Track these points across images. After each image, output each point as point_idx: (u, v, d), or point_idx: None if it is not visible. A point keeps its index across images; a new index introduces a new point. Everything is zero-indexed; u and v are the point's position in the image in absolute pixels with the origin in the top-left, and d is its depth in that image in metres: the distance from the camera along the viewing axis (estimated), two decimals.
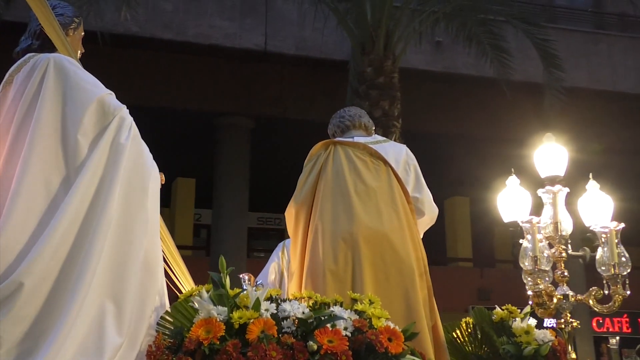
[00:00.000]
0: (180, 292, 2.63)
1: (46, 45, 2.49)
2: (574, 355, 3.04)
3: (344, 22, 8.48)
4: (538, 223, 3.34)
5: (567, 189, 3.41)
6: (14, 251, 2.04)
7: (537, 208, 6.30)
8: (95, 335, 2.05)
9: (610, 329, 14.36)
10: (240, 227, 10.76)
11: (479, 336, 3.04)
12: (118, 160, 2.25)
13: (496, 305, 3.06)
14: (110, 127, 2.28)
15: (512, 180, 5.85)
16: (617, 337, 7.67)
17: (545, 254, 3.27)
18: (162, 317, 2.24)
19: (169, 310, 2.28)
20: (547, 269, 3.29)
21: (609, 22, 12.31)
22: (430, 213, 3.49)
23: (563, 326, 3.21)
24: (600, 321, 14.41)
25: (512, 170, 5.92)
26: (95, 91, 2.34)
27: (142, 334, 2.19)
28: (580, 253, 5.99)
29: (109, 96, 2.36)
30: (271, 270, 4.16)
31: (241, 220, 10.81)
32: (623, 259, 3.11)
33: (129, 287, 2.16)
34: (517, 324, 2.94)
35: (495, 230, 15.05)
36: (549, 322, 7.24)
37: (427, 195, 3.46)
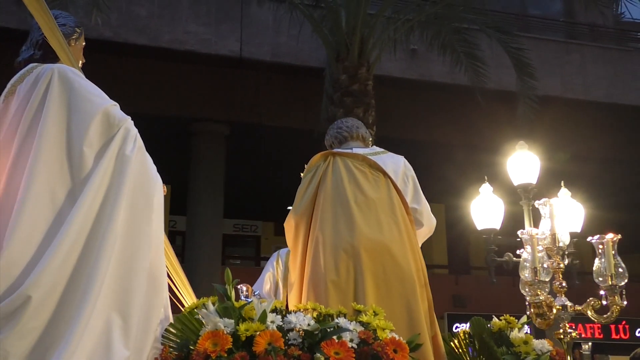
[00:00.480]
0: (182, 304, 2.61)
1: (48, 56, 2.47)
2: None
3: (319, 29, 8.49)
4: (537, 235, 3.38)
5: (565, 200, 3.45)
6: (21, 264, 2.03)
7: (511, 216, 6.35)
8: (103, 348, 2.04)
9: (583, 335, 14.52)
10: (216, 234, 10.68)
11: (477, 346, 3.04)
12: (124, 172, 2.23)
13: (475, 313, 3.07)
14: (115, 138, 2.27)
15: (486, 188, 5.90)
16: (590, 343, 7.76)
17: (545, 265, 3.30)
18: (167, 330, 2.24)
19: (174, 322, 2.29)
20: (546, 280, 3.32)
21: (580, 32, 12.51)
22: (429, 224, 3.51)
23: (562, 336, 3.25)
24: (573, 327, 14.55)
25: (486, 178, 5.97)
26: (101, 102, 2.32)
27: (148, 347, 2.19)
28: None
29: (114, 107, 2.35)
30: (266, 279, 4.15)
31: (216, 227, 10.73)
32: (620, 269, 3.16)
33: (135, 300, 2.15)
34: (515, 334, 2.96)
35: (470, 237, 15.14)
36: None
37: (425, 206, 3.48)
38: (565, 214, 5.99)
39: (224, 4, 10.14)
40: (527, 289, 3.39)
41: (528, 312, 3.34)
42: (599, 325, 14.90)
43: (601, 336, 15.02)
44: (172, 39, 9.64)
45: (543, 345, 2.94)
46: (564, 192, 6.07)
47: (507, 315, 3.10)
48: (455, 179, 10.97)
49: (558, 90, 11.15)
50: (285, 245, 3.62)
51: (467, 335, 3.08)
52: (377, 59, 8.52)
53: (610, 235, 3.24)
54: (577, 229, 5.95)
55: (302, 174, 3.50)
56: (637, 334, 15.18)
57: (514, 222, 6.25)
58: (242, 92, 10.61)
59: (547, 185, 6.34)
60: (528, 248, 3.42)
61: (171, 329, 2.26)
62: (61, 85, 2.30)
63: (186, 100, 10.40)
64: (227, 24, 10.03)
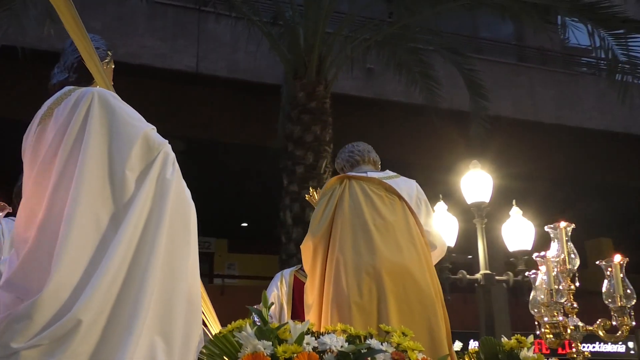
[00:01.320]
0: (206, 326, 2.66)
1: (83, 79, 2.49)
2: None
3: (277, 46, 8.51)
4: (552, 257, 3.49)
5: (572, 225, 3.66)
6: (69, 288, 2.03)
7: (464, 233, 6.44)
8: None
9: None
10: None
11: None
12: (164, 195, 2.24)
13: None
14: (155, 162, 2.28)
15: (440, 206, 6.00)
16: None
17: (561, 287, 3.41)
18: (202, 352, 2.25)
19: (208, 344, 2.31)
20: (562, 301, 3.43)
21: (530, 55, 12.90)
22: (441, 246, 3.59)
23: (575, 355, 3.34)
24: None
25: (440, 196, 6.06)
26: (141, 126, 2.33)
27: None
28: (504, 277, 6.17)
29: (153, 131, 2.36)
30: (271, 300, 4.12)
31: None
32: (628, 291, 3.26)
33: (177, 323, 2.17)
34: (525, 353, 2.99)
35: None
36: None
37: (437, 229, 3.58)
38: (516, 231, 6.13)
39: (180, 19, 10.07)
40: (542, 310, 3.50)
41: (538, 332, 3.46)
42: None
43: (547, 352, 15.29)
44: (127, 52, 9.51)
45: None
46: (515, 211, 6.23)
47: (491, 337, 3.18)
48: None
49: (509, 111, 11.45)
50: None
51: (476, 355, 3.12)
52: (334, 77, 8.59)
53: (618, 258, 3.33)
54: (528, 246, 6.10)
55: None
56: None
57: (466, 239, 6.36)
58: (198, 107, 10.52)
59: (498, 204, 6.49)
60: (543, 269, 3.52)
61: (206, 351, 2.28)
62: (101, 109, 2.30)
63: (141, 115, 10.23)
64: (183, 39, 9.97)
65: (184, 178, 2.42)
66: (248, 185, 11.74)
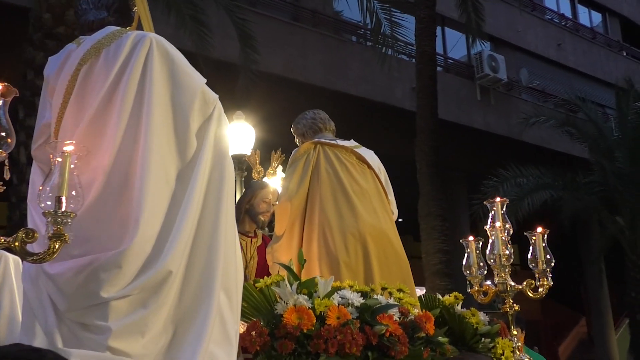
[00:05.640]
0: None
1: (125, 21, 2.43)
2: (515, 332, 3.47)
3: None
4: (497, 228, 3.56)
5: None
6: (151, 240, 2.03)
7: None
8: (220, 326, 2.11)
9: None
10: None
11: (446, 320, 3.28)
12: (224, 155, 2.26)
13: None
14: (212, 118, 2.24)
15: None
16: None
17: (507, 252, 3.57)
18: (243, 305, 2.37)
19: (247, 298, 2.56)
20: (507, 264, 3.58)
21: (304, 16, 13.00)
22: (396, 214, 3.76)
23: (508, 309, 3.53)
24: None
25: None
26: (199, 78, 2.28)
27: (239, 320, 2.27)
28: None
29: (205, 85, 2.30)
30: None
31: None
32: (548, 256, 3.53)
33: (231, 277, 2.19)
34: (459, 309, 3.26)
35: None
36: None
37: (393, 198, 3.75)
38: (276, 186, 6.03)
39: None
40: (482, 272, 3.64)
41: (469, 290, 3.65)
42: None
43: None
44: None
45: (484, 317, 3.31)
46: (275, 166, 6.13)
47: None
48: None
49: (280, 69, 11.42)
50: None
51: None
52: None
53: (539, 229, 3.58)
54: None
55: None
56: None
57: None
58: None
59: (264, 159, 6.35)
60: (493, 239, 3.62)
61: (246, 304, 2.52)
62: (161, 57, 2.21)
63: None
64: None
65: None
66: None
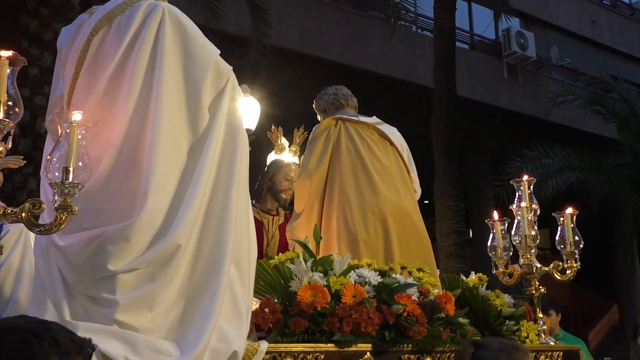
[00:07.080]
0: None
1: None
2: (540, 315, 3.46)
3: None
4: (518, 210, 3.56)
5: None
6: (161, 214, 1.99)
7: None
8: (231, 301, 2.08)
9: None
10: None
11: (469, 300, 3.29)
12: (237, 129, 2.22)
13: None
14: (226, 91, 2.21)
15: None
16: None
17: (533, 233, 3.54)
18: (257, 282, 2.37)
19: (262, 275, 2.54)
20: (533, 245, 3.54)
21: None
22: (419, 192, 3.70)
23: (534, 291, 3.52)
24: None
25: None
26: (212, 49, 2.23)
27: (252, 295, 2.23)
28: None
29: (219, 56, 2.25)
30: None
31: None
32: (577, 238, 3.49)
33: (243, 252, 2.17)
34: (483, 290, 3.25)
35: None
36: None
37: (416, 176, 3.69)
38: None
39: None
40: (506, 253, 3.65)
41: (494, 272, 3.64)
42: None
43: None
44: None
45: (509, 299, 3.29)
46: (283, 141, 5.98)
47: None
48: None
49: (295, 43, 11.19)
50: None
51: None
52: None
53: (569, 210, 3.53)
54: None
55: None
56: None
57: None
58: None
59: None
60: (518, 219, 3.58)
61: (262, 282, 2.51)
62: (173, 27, 2.17)
63: None
64: None
65: None
66: None
